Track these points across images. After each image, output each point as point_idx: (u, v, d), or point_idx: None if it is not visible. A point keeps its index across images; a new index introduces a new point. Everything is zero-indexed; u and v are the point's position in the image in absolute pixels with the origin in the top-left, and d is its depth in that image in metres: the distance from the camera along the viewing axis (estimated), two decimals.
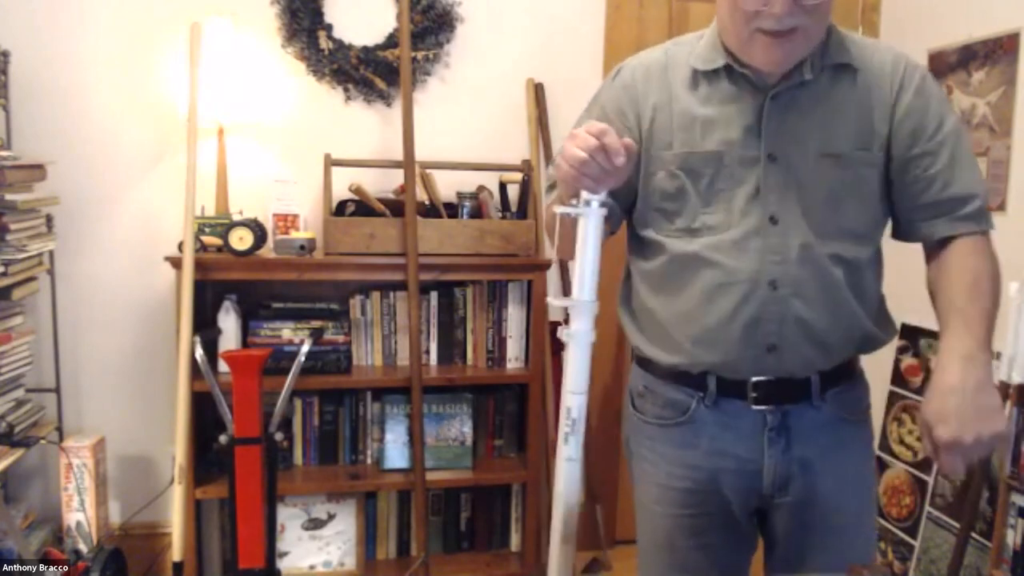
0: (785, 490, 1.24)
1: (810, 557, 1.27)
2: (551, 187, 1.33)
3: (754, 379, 1.19)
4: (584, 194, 1.08)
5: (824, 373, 1.22)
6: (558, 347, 2.58)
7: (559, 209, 1.10)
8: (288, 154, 2.47)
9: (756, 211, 1.17)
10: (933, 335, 2.38)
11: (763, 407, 1.21)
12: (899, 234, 1.26)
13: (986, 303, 1.15)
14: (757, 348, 1.16)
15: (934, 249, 1.22)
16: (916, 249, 1.27)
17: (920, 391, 2.40)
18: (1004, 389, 1.95)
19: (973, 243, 1.18)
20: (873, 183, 1.19)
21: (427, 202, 2.35)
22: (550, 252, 2.58)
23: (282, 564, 2.37)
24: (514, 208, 2.46)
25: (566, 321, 1.12)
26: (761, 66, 1.15)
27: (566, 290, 2.59)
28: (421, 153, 2.31)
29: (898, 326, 2.49)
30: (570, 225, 1.12)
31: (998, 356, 2.08)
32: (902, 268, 1.39)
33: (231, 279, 2.22)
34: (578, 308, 1.08)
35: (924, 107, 1.17)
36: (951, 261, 1.18)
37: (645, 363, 1.31)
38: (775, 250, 1.16)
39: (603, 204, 1.08)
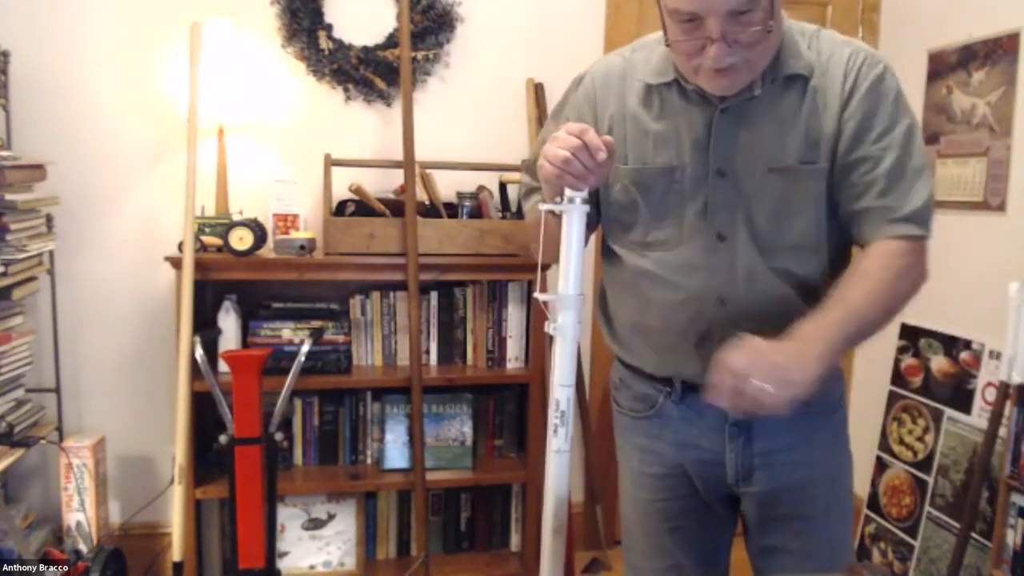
0: (749, 481, 1.28)
1: (784, 544, 1.30)
2: (528, 192, 1.37)
3: None
4: (568, 192, 1.10)
5: None
6: None
7: (544, 206, 1.12)
8: (288, 154, 2.47)
9: (705, 228, 1.19)
10: (933, 335, 2.38)
11: None
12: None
13: (865, 308, 1.10)
14: (711, 359, 1.14)
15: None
16: None
17: (920, 391, 2.40)
18: (1004, 389, 1.95)
19: (896, 247, 1.14)
20: (821, 195, 1.17)
21: (427, 202, 2.35)
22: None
23: (282, 564, 2.37)
24: (514, 208, 2.46)
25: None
26: (708, 91, 1.15)
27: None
28: (421, 153, 2.31)
29: (897, 326, 2.50)
30: (555, 224, 1.14)
31: (998, 356, 2.08)
32: None
33: (231, 279, 2.22)
34: (564, 302, 1.11)
35: (873, 108, 1.14)
36: (864, 261, 1.15)
37: (619, 358, 1.37)
38: (722, 268, 1.19)
39: (586, 201, 1.11)
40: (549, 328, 1.13)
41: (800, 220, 1.17)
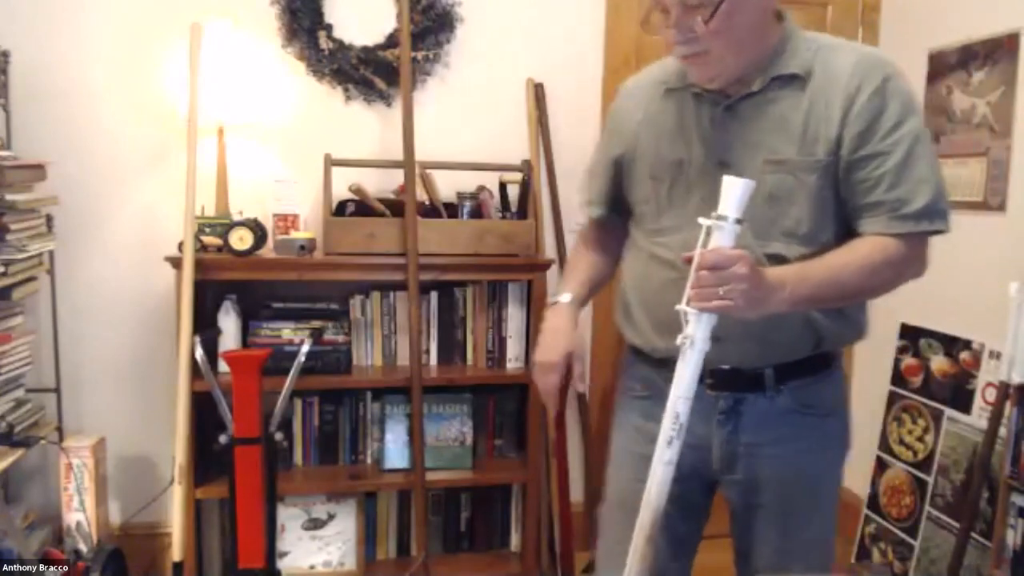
0: (732, 470, 1.34)
1: (762, 535, 1.37)
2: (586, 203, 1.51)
3: (710, 368, 1.27)
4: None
5: (781, 366, 1.29)
6: None
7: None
8: (288, 154, 2.47)
9: (706, 214, 1.22)
10: (933, 335, 2.38)
11: (717, 393, 1.31)
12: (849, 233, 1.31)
13: (841, 277, 1.19)
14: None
15: None
16: None
17: (920, 391, 2.40)
18: (1004, 389, 1.95)
19: (896, 243, 1.19)
20: (820, 187, 1.22)
21: (427, 202, 2.35)
22: (551, 252, 2.58)
23: (282, 564, 2.37)
24: (514, 208, 2.46)
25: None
26: (694, 81, 1.26)
27: None
28: (421, 153, 2.31)
29: (897, 326, 2.50)
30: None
31: (998, 356, 2.08)
32: None
33: (231, 279, 2.22)
34: (699, 316, 1.13)
35: (879, 109, 1.19)
36: (861, 239, 1.21)
37: (629, 340, 1.46)
38: None
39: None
40: (679, 339, 1.15)
41: (796, 210, 1.23)
